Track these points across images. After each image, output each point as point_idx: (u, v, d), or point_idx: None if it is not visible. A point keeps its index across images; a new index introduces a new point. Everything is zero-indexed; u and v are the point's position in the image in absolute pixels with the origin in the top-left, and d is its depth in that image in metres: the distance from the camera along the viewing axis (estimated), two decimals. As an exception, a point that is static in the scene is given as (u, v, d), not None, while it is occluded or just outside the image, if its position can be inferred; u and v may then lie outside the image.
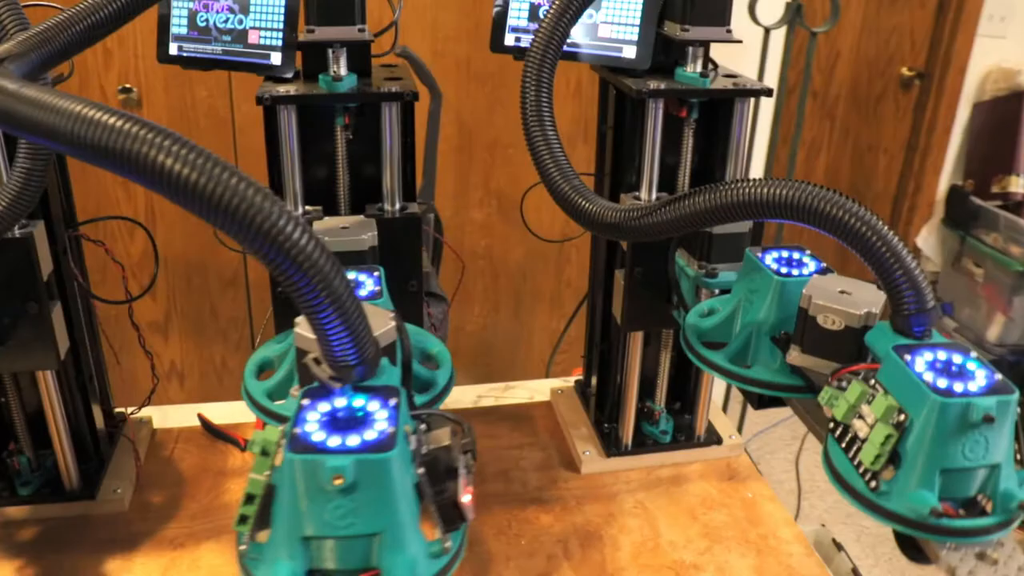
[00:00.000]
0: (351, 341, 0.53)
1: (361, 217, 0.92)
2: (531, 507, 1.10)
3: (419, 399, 0.74)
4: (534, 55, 0.79)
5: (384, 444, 0.49)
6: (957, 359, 0.62)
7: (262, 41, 0.93)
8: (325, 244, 0.49)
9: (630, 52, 0.97)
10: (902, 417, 0.59)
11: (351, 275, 0.77)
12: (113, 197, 2.09)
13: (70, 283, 1.00)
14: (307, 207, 0.96)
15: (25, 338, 0.93)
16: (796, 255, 0.85)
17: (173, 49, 0.98)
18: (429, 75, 1.77)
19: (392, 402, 0.54)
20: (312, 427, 0.52)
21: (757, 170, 2.17)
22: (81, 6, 0.69)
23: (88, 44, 0.72)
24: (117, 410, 1.19)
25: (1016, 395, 0.57)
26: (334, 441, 0.50)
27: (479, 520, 1.07)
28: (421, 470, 0.50)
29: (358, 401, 0.55)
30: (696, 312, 0.89)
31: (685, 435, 1.18)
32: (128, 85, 1.96)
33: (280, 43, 0.91)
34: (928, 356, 0.62)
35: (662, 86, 0.96)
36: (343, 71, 0.91)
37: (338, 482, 0.48)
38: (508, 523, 1.07)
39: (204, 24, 0.96)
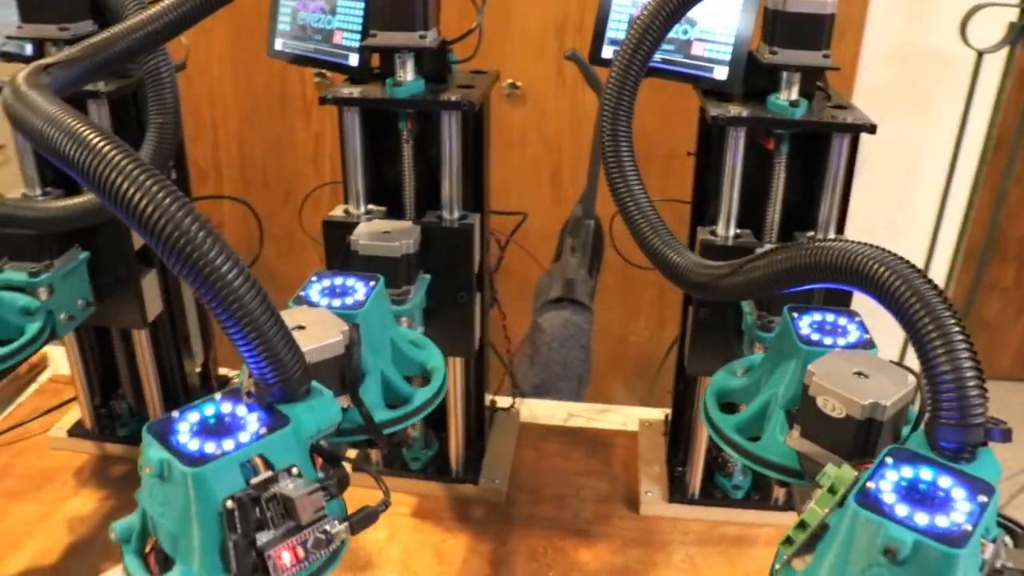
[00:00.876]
0: (267, 362, 0.52)
1: (408, 224, 0.92)
2: (573, 539, 1.05)
3: (387, 414, 0.73)
4: (613, 85, 0.73)
5: (198, 460, 0.49)
6: (958, 494, 0.50)
7: (344, 42, 0.95)
8: (242, 262, 0.49)
9: (721, 73, 0.90)
10: (827, 512, 0.51)
11: (345, 280, 0.77)
12: (304, 173, 2.23)
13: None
14: (371, 206, 0.97)
15: (118, 299, 1.03)
16: (842, 320, 0.74)
17: (278, 45, 1.03)
18: (596, 79, 1.74)
19: (261, 431, 0.53)
20: (192, 418, 0.53)
21: (956, 210, 1.92)
22: (146, 14, 0.73)
23: (152, 47, 0.77)
24: (222, 371, 1.28)
25: (961, 553, 0.45)
26: (183, 439, 0.51)
27: (516, 539, 1.05)
28: (230, 503, 0.49)
29: (251, 417, 0.55)
30: (729, 367, 0.81)
31: (761, 494, 1.08)
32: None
33: (357, 45, 0.93)
34: (925, 474, 0.52)
35: (744, 113, 0.87)
36: (409, 76, 0.91)
37: (146, 471, 0.49)
38: (544, 550, 1.03)
39: (302, 23, 0.99)
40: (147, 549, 0.56)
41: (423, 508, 1.10)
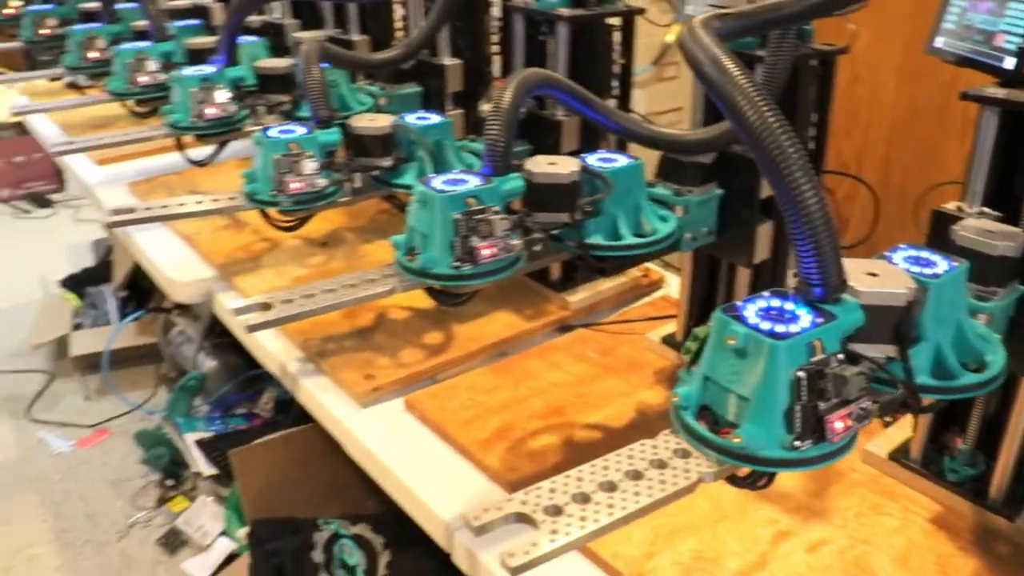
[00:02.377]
0: (815, 265, 0.65)
1: (1017, 230, 0.92)
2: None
3: (928, 380, 0.77)
4: None
5: (777, 335, 0.62)
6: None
7: (1004, 44, 0.98)
8: (822, 191, 0.63)
9: None
10: None
11: (930, 256, 0.82)
12: (943, 188, 2.19)
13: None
14: (984, 208, 0.99)
15: (735, 237, 1.21)
16: None
17: (939, 42, 1.09)
18: None
19: (819, 320, 0.64)
20: (751, 307, 0.67)
21: None
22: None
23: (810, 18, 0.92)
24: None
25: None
26: (753, 321, 0.65)
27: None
28: (801, 373, 0.60)
29: (801, 311, 0.66)
30: None
31: None
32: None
33: (1015, 49, 0.95)
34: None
35: None
36: (1063, 85, 0.90)
37: (731, 342, 0.63)
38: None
39: (967, 23, 1.04)
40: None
41: (943, 518, 1.10)
